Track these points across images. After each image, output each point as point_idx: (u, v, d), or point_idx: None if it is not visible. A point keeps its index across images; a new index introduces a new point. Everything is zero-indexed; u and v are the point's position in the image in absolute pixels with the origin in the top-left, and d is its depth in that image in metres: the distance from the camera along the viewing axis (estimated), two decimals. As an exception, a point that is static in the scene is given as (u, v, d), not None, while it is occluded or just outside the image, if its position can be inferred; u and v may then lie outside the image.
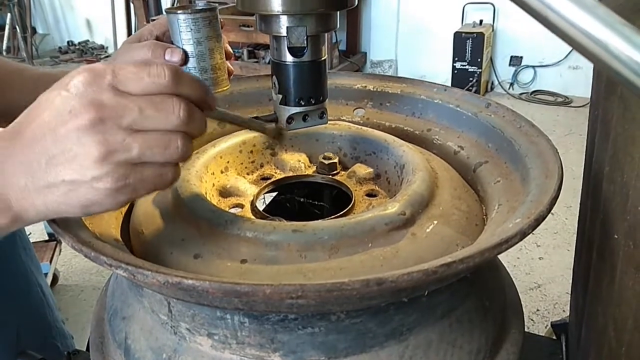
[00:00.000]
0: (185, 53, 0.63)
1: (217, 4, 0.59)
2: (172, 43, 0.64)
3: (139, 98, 0.39)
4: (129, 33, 4.93)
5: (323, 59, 0.57)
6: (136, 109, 0.38)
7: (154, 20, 0.67)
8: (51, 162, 0.38)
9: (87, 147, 0.37)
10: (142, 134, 0.39)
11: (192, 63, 0.63)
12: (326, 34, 0.56)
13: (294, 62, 0.55)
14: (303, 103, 0.57)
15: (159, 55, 0.64)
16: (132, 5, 4.79)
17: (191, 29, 0.61)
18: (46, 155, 0.38)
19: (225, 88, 0.68)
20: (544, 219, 0.45)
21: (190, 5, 0.64)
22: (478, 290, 0.55)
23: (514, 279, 0.64)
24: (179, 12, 0.60)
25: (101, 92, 0.38)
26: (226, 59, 0.67)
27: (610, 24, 0.20)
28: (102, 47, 5.56)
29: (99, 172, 0.38)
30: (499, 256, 0.66)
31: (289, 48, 0.54)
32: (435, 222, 0.54)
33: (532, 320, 2.01)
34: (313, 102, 0.58)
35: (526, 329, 0.68)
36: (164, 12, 0.63)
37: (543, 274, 2.24)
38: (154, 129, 0.39)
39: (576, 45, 0.22)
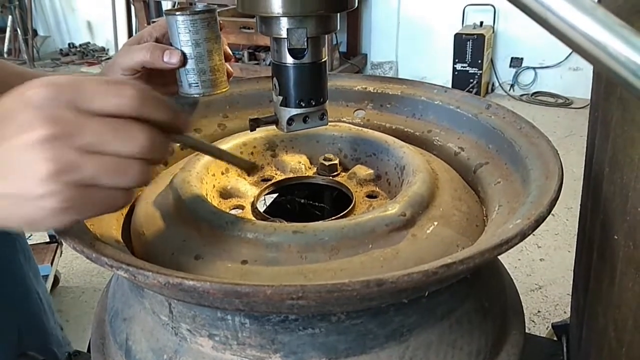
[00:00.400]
0: (183, 54, 0.62)
1: (216, 6, 0.59)
2: (172, 45, 0.64)
3: (100, 120, 0.37)
4: (130, 35, 4.94)
5: (323, 60, 0.57)
6: (94, 131, 0.36)
7: (155, 22, 0.68)
8: (1, 171, 0.37)
9: (36, 164, 0.35)
10: (97, 157, 0.37)
11: (190, 65, 0.63)
12: (326, 36, 0.57)
13: (294, 63, 0.55)
14: (303, 104, 0.57)
15: (158, 57, 0.63)
16: (132, 8, 4.80)
17: (189, 31, 0.60)
18: (0, 161, 0.37)
19: (224, 90, 0.68)
20: (544, 219, 0.45)
21: (189, 7, 0.64)
22: (478, 291, 0.55)
23: (514, 281, 0.65)
24: (177, 13, 0.60)
25: (60, 108, 0.36)
26: (226, 61, 0.68)
27: (609, 25, 0.20)
28: (103, 49, 5.57)
29: (45, 190, 0.36)
30: (500, 257, 0.66)
31: (289, 50, 0.54)
32: (436, 223, 0.54)
33: (533, 321, 2.00)
34: (313, 103, 0.58)
35: (527, 331, 0.68)
36: (164, 14, 0.63)
37: (544, 276, 2.23)
38: (111, 153, 0.37)
39: (574, 47, 0.22)
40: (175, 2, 4.92)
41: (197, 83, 0.65)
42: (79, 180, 0.36)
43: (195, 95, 0.67)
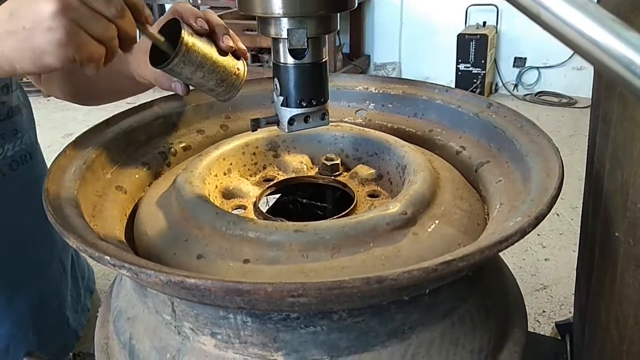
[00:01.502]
0: (187, 86, 0.67)
1: (183, 25, 0.58)
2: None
3: None
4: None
5: (324, 60, 0.57)
6: None
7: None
8: (14, 14, 0.48)
9: (46, 3, 0.46)
10: (89, 9, 0.48)
11: (203, 86, 0.64)
12: (327, 36, 0.57)
13: (295, 64, 0.55)
14: (304, 104, 0.58)
15: (167, 87, 0.69)
16: (136, 11, 4.82)
17: (178, 72, 0.60)
18: (10, 9, 0.48)
19: (243, 78, 0.65)
20: (544, 217, 0.45)
21: (170, 28, 0.61)
22: (480, 289, 0.55)
23: (519, 281, 0.65)
24: (159, 67, 0.59)
25: None
26: (237, 59, 0.65)
27: (601, 20, 0.21)
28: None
29: (53, 23, 0.47)
30: (503, 256, 0.66)
31: (289, 50, 0.54)
32: (437, 221, 0.55)
33: (538, 321, 2.00)
34: (314, 103, 0.58)
35: (533, 331, 0.68)
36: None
37: (549, 275, 2.23)
38: (98, 10, 0.49)
39: (568, 43, 0.23)
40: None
41: (218, 94, 0.66)
42: (77, 19, 0.48)
43: (222, 101, 0.68)
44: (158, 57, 0.59)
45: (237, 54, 0.64)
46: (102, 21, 0.49)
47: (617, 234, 0.48)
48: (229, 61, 0.63)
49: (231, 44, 0.62)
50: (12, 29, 0.48)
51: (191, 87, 0.69)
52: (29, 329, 0.82)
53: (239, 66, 0.65)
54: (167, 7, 5.07)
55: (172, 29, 0.59)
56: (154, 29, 0.58)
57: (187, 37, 0.58)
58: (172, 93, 0.75)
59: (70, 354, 0.65)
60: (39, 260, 0.84)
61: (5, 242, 0.76)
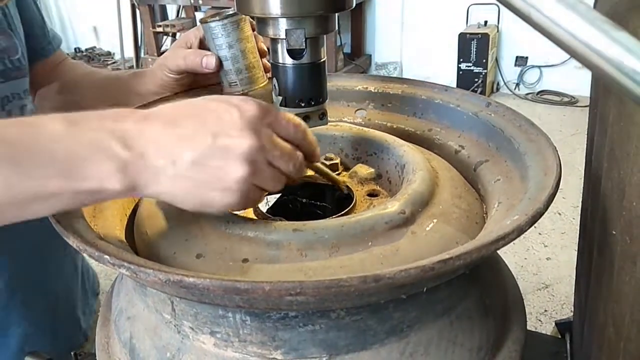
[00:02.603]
0: (219, 58, 0.68)
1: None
2: (209, 49, 0.69)
3: (282, 142, 0.47)
4: (135, 39, 4.97)
5: (322, 60, 0.58)
6: (279, 150, 0.47)
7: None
8: (198, 163, 0.43)
9: (240, 165, 0.44)
10: (272, 169, 0.47)
11: (227, 66, 0.68)
12: (325, 36, 0.57)
13: (293, 64, 0.55)
14: (303, 104, 0.58)
15: (197, 63, 0.70)
16: (138, 12, 4.84)
17: (222, 35, 0.66)
18: (194, 155, 0.43)
19: (262, 85, 0.71)
20: (541, 215, 0.45)
21: (221, 12, 0.68)
22: (479, 288, 0.55)
23: (521, 280, 0.65)
24: (209, 20, 0.66)
25: (263, 123, 0.45)
26: (261, 57, 0.70)
27: (591, 20, 0.21)
28: (108, 53, 5.61)
29: (235, 186, 0.44)
30: (504, 255, 0.66)
31: (288, 50, 0.54)
32: (435, 220, 0.55)
33: (539, 320, 2.00)
34: (313, 103, 0.59)
35: (534, 330, 0.68)
36: (198, 22, 0.69)
37: (551, 274, 2.23)
38: (278, 167, 0.47)
39: (559, 43, 0.23)
40: (179, 7, 4.95)
41: (235, 82, 0.70)
42: (258, 182, 0.46)
43: (237, 93, 0.71)
44: None
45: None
46: (279, 178, 0.48)
47: (614, 232, 0.48)
48: (259, 59, 0.69)
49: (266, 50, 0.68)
50: (191, 175, 0.44)
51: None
52: (44, 329, 0.83)
53: (264, 72, 0.71)
54: (169, 7, 5.09)
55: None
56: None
57: (243, 16, 0.63)
58: (172, 94, 0.76)
59: (72, 353, 0.66)
60: (55, 261, 0.85)
61: (28, 243, 0.76)
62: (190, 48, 0.73)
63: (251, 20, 0.68)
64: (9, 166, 0.40)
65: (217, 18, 0.65)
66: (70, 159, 0.41)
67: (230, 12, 0.67)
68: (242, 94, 0.72)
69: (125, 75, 0.85)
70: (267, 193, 0.49)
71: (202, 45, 0.72)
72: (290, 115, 0.49)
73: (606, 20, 0.21)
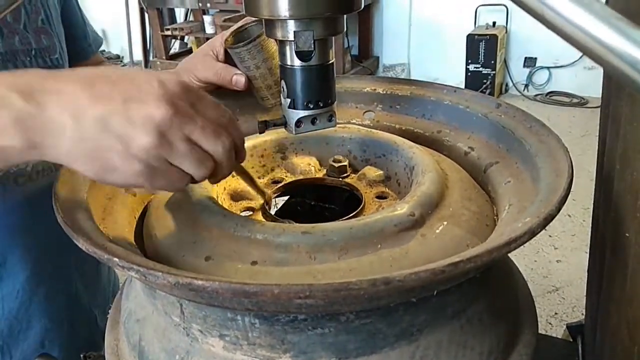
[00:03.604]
0: (248, 77, 0.71)
1: (263, 29, 0.62)
2: (238, 67, 0.72)
3: (206, 120, 0.44)
4: (144, 43, 5.00)
5: (331, 62, 0.57)
6: (200, 125, 0.44)
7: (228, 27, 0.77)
8: (104, 121, 0.41)
9: (146, 133, 0.41)
10: (191, 145, 0.43)
11: (257, 84, 0.72)
12: (334, 37, 0.57)
13: (301, 66, 0.55)
14: (311, 106, 0.58)
15: (227, 82, 0.72)
16: (146, 16, 4.86)
17: (248, 58, 0.68)
18: (102, 113, 0.41)
19: None
20: (553, 218, 0.44)
21: (243, 32, 0.71)
22: (489, 291, 0.55)
23: (531, 283, 0.64)
24: (233, 46, 0.69)
25: (184, 100, 0.43)
26: None
27: (606, 18, 0.20)
28: (117, 56, 5.65)
29: (141, 155, 0.41)
30: (514, 258, 0.66)
31: (296, 52, 0.54)
32: (445, 222, 0.54)
33: (550, 323, 1.98)
34: (321, 105, 0.58)
35: (544, 333, 0.68)
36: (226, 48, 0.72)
37: (561, 277, 2.21)
38: (201, 146, 0.44)
39: (573, 42, 0.22)
40: (188, 10, 4.97)
41: (267, 97, 0.73)
42: (168, 158, 0.43)
43: (269, 106, 0.75)
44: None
45: None
46: (200, 159, 0.44)
47: (627, 235, 0.47)
48: None
49: None
50: (93, 136, 0.41)
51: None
52: (63, 324, 0.84)
53: None
54: (177, 11, 5.11)
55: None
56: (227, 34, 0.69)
57: (265, 35, 0.63)
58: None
59: (81, 355, 0.66)
60: (77, 256, 0.86)
61: (50, 237, 0.77)
62: (217, 57, 0.74)
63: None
64: None
65: (242, 43, 0.68)
66: None
67: (253, 26, 0.70)
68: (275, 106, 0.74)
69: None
70: (192, 178, 0.46)
71: (228, 53, 0.73)
72: (216, 100, 0.47)
73: (621, 18, 0.20)
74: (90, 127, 0.41)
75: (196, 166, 0.44)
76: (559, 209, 0.45)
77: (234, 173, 0.62)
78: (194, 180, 0.46)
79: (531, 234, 0.42)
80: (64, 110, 0.41)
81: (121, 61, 5.56)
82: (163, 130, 0.41)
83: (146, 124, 0.41)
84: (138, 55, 5.10)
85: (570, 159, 0.53)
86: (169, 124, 0.42)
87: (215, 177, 0.48)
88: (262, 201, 0.65)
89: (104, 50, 5.67)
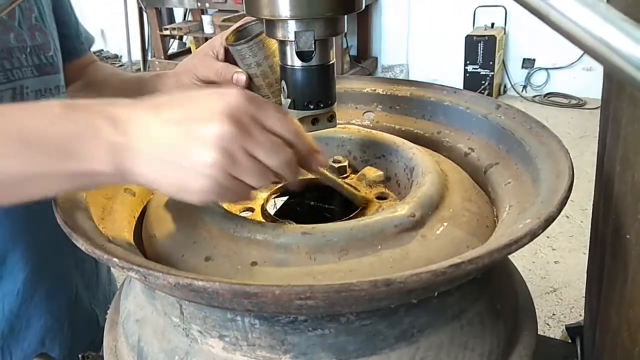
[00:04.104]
0: (249, 75, 0.70)
1: (263, 27, 0.61)
2: (239, 65, 0.71)
3: (268, 134, 0.45)
4: (143, 42, 4.99)
5: (331, 62, 0.57)
6: (262, 140, 0.44)
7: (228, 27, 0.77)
8: (171, 145, 0.43)
9: (207, 151, 0.42)
10: (252, 160, 0.44)
11: (258, 82, 0.71)
12: (335, 38, 0.57)
13: (302, 66, 0.55)
14: (312, 107, 0.58)
15: (228, 80, 0.71)
16: (145, 15, 4.86)
17: (249, 55, 0.68)
18: (169, 139, 0.43)
19: None
20: (554, 219, 0.44)
21: (243, 31, 0.71)
22: (489, 292, 0.55)
23: (529, 283, 0.64)
24: (234, 44, 0.68)
25: (246, 112, 0.44)
26: None
27: (611, 19, 0.20)
28: (116, 56, 5.64)
29: (208, 171, 0.43)
30: (512, 259, 0.66)
31: (297, 52, 0.54)
32: (446, 224, 0.54)
33: (547, 324, 1.98)
34: (322, 105, 0.58)
35: (542, 334, 0.67)
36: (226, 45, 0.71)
37: (559, 278, 2.21)
38: (263, 161, 0.45)
39: (578, 43, 0.22)
40: (186, 10, 4.97)
41: (268, 95, 0.72)
42: (234, 172, 0.44)
43: None
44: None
45: None
46: (261, 172, 0.45)
47: (628, 236, 0.47)
48: None
49: None
50: (165, 157, 0.43)
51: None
52: (64, 323, 0.84)
53: None
54: (176, 11, 5.11)
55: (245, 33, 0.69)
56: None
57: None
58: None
59: (80, 356, 0.66)
60: (77, 256, 0.85)
61: (50, 235, 0.77)
62: (217, 57, 0.74)
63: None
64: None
65: (243, 40, 0.67)
66: (61, 138, 0.43)
67: (253, 25, 0.69)
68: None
69: (147, 76, 0.86)
70: (256, 189, 0.47)
71: (228, 53, 0.73)
72: (281, 110, 0.48)
73: (626, 19, 0.20)
74: (161, 148, 0.43)
75: (257, 180, 0.45)
76: (559, 210, 0.45)
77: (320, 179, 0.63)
78: (254, 196, 0.48)
79: (532, 235, 0.42)
80: (142, 135, 0.44)
81: (119, 61, 5.55)
82: (225, 146, 0.42)
83: (207, 140, 0.42)
84: (136, 54, 5.09)
85: (571, 160, 0.53)
86: (229, 139, 0.43)
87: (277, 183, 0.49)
88: (261, 202, 0.64)
89: (103, 50, 5.66)
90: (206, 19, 4.55)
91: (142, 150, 0.43)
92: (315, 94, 0.57)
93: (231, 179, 0.44)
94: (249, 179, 0.45)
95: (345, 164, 0.70)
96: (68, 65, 0.86)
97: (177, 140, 0.43)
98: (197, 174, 0.43)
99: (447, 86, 0.76)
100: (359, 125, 0.78)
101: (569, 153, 0.55)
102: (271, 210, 0.64)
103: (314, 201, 0.72)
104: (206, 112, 0.43)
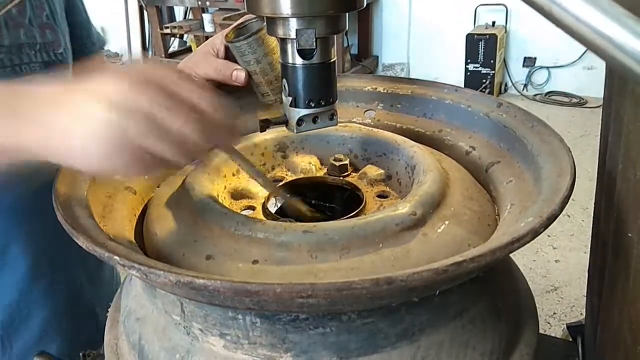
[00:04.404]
0: (249, 72, 0.70)
1: (263, 23, 0.61)
2: (238, 63, 0.71)
3: (176, 100, 0.43)
4: (143, 41, 4.99)
5: (332, 60, 0.57)
6: (168, 105, 0.42)
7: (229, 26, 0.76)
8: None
9: (101, 109, 0.41)
10: (152, 122, 0.42)
11: (258, 79, 0.71)
12: (336, 36, 0.57)
13: (303, 64, 0.55)
14: (313, 105, 0.58)
15: (227, 77, 0.72)
16: (145, 14, 4.85)
17: (249, 52, 0.68)
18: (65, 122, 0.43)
19: None
20: (556, 217, 0.44)
21: (243, 28, 0.70)
22: (491, 291, 0.55)
23: (530, 282, 0.64)
24: (234, 40, 0.68)
25: (157, 82, 0.43)
26: None
27: (614, 16, 0.20)
28: (116, 54, 5.63)
29: (102, 134, 0.41)
30: (514, 257, 0.65)
31: (298, 50, 0.54)
32: (447, 222, 0.54)
33: (548, 323, 1.98)
34: (323, 103, 0.58)
35: (543, 332, 0.67)
36: (226, 42, 0.71)
37: (560, 277, 2.21)
38: (168, 127, 0.42)
39: (581, 39, 0.22)
40: (187, 8, 4.96)
41: (267, 92, 0.72)
42: (135, 138, 0.42)
43: (270, 102, 0.74)
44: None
45: None
46: (167, 138, 0.43)
47: (630, 234, 0.47)
48: None
49: None
50: (66, 122, 0.43)
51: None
52: (63, 317, 0.84)
53: None
54: (176, 9, 5.10)
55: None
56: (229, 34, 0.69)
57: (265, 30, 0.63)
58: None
59: (80, 354, 0.66)
60: (80, 250, 0.85)
61: (57, 230, 0.77)
62: (218, 55, 0.74)
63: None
64: None
65: (242, 38, 0.67)
66: None
67: (253, 22, 0.69)
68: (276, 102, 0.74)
69: None
70: (165, 162, 0.44)
71: (228, 51, 0.72)
72: (201, 84, 0.46)
73: (630, 15, 0.20)
74: (67, 116, 0.43)
75: (164, 147, 0.43)
76: (561, 209, 0.45)
77: (237, 162, 0.61)
78: (170, 165, 0.45)
79: (534, 233, 0.42)
80: (50, 109, 0.44)
81: (120, 59, 5.54)
82: (126, 106, 0.41)
83: (102, 100, 0.41)
84: (137, 53, 5.09)
85: (573, 158, 0.53)
86: (123, 98, 0.41)
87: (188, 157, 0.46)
88: (262, 200, 0.64)
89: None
90: (207, 17, 4.55)
91: (48, 119, 0.43)
92: (317, 92, 0.57)
93: (134, 145, 0.42)
94: (156, 146, 0.43)
95: (347, 162, 0.70)
96: (77, 65, 0.86)
97: (79, 106, 0.43)
98: (93, 137, 0.42)
99: (448, 84, 0.76)
100: (360, 123, 0.78)
101: (570, 151, 0.54)
102: (272, 209, 0.64)
103: (315, 200, 0.72)
104: (117, 78, 0.43)
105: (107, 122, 0.41)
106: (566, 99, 4.07)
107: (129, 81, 0.42)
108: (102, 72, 0.44)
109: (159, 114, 0.42)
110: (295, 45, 0.54)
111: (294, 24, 0.52)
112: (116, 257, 0.41)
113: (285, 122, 0.60)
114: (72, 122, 0.43)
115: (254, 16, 0.68)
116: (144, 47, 5.03)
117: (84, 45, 0.89)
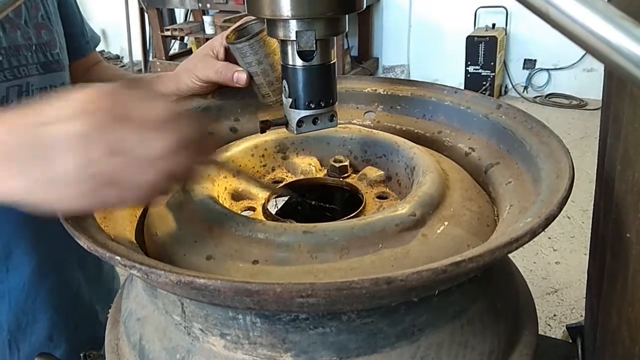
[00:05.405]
0: (250, 73, 0.70)
1: (264, 24, 0.62)
2: (239, 64, 0.71)
3: (135, 124, 0.40)
4: (144, 43, 5.00)
5: (332, 62, 0.57)
6: (127, 132, 0.40)
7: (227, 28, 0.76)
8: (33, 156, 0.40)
9: (70, 154, 0.39)
10: (120, 156, 0.40)
11: (259, 80, 0.71)
12: (336, 38, 0.57)
13: (303, 66, 0.55)
14: (313, 106, 0.58)
15: (228, 79, 0.72)
16: (146, 16, 4.86)
17: (250, 53, 0.68)
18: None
19: None
20: (554, 218, 0.44)
21: (243, 30, 0.71)
22: (490, 291, 0.55)
23: (530, 284, 0.64)
24: (236, 42, 0.68)
25: (110, 107, 0.40)
26: None
27: (610, 17, 0.20)
28: (117, 57, 5.64)
29: (70, 177, 0.39)
30: (514, 259, 0.66)
31: (298, 52, 0.54)
32: (446, 223, 0.54)
33: (549, 325, 1.98)
34: (323, 105, 0.58)
35: (543, 334, 0.68)
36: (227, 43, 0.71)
37: (560, 279, 2.21)
38: (131, 154, 0.40)
39: (578, 41, 0.22)
40: (188, 11, 4.97)
41: (268, 93, 0.73)
42: (105, 172, 0.40)
43: (271, 103, 0.74)
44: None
45: None
46: (139, 166, 0.40)
47: (628, 235, 0.47)
48: None
49: None
50: (33, 175, 0.40)
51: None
52: (68, 317, 0.84)
53: None
54: (177, 11, 5.11)
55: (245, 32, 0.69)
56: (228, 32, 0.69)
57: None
58: (179, 97, 0.76)
59: (81, 355, 0.66)
60: (79, 251, 0.86)
61: (59, 232, 0.77)
62: (217, 57, 0.74)
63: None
64: None
65: (244, 38, 0.67)
66: None
67: (253, 24, 0.70)
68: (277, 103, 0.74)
69: (149, 78, 0.88)
70: (157, 191, 0.42)
71: (228, 52, 0.73)
72: (160, 96, 0.44)
73: (626, 17, 0.20)
74: (30, 162, 0.40)
75: (139, 176, 0.41)
76: (560, 209, 0.45)
77: (233, 174, 0.62)
78: (155, 193, 0.43)
79: (532, 234, 0.42)
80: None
81: (121, 61, 5.55)
82: (86, 144, 0.39)
83: (68, 141, 0.39)
84: (137, 55, 5.10)
85: (571, 159, 0.53)
86: (91, 137, 0.39)
87: (177, 181, 0.44)
88: (263, 201, 0.65)
89: (104, 51, 5.67)
90: (207, 19, 4.56)
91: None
92: (317, 94, 0.57)
93: (105, 179, 0.40)
94: (127, 176, 0.40)
95: (347, 163, 0.71)
96: (73, 64, 0.87)
97: (37, 146, 0.39)
98: (60, 182, 0.39)
99: (447, 86, 0.76)
100: (360, 125, 0.78)
101: (569, 152, 0.55)
102: (272, 210, 0.64)
103: (315, 201, 0.73)
104: (62, 113, 0.40)
105: (76, 165, 0.39)
106: (566, 101, 4.08)
107: (96, 122, 0.39)
108: (44, 106, 0.41)
109: (126, 145, 0.40)
110: (295, 47, 0.54)
111: (294, 25, 0.53)
112: (117, 257, 0.41)
113: (285, 123, 0.61)
114: (49, 175, 0.40)
115: (253, 18, 0.69)
116: (145, 50, 5.04)
117: (78, 44, 0.89)
